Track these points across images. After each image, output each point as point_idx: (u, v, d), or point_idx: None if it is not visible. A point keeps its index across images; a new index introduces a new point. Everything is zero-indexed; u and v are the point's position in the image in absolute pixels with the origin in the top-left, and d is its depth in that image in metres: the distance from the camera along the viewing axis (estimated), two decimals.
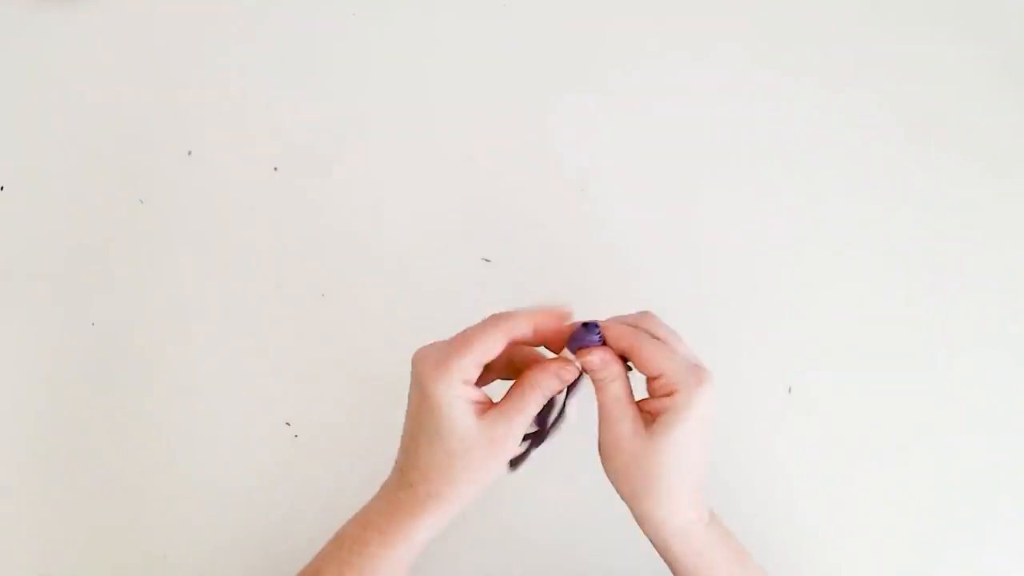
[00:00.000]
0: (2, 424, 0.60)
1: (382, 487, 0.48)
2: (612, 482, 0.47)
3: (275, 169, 0.66)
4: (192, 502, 0.58)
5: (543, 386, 0.45)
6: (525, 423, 0.45)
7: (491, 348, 0.44)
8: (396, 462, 0.48)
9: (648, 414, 0.45)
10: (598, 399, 0.46)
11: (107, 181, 0.66)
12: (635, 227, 0.64)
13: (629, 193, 0.65)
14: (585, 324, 0.45)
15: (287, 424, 0.59)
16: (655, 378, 0.44)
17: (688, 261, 0.63)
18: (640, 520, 0.47)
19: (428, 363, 0.44)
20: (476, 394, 0.45)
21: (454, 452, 0.44)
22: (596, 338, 0.45)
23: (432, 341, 0.45)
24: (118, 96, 0.68)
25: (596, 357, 0.45)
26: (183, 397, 0.60)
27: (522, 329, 0.45)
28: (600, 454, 0.47)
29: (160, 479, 0.59)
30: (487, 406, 0.46)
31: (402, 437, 0.47)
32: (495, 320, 0.45)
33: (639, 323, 0.46)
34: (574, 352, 0.45)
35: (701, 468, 0.46)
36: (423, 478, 0.46)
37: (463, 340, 0.44)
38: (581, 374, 0.46)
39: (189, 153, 0.66)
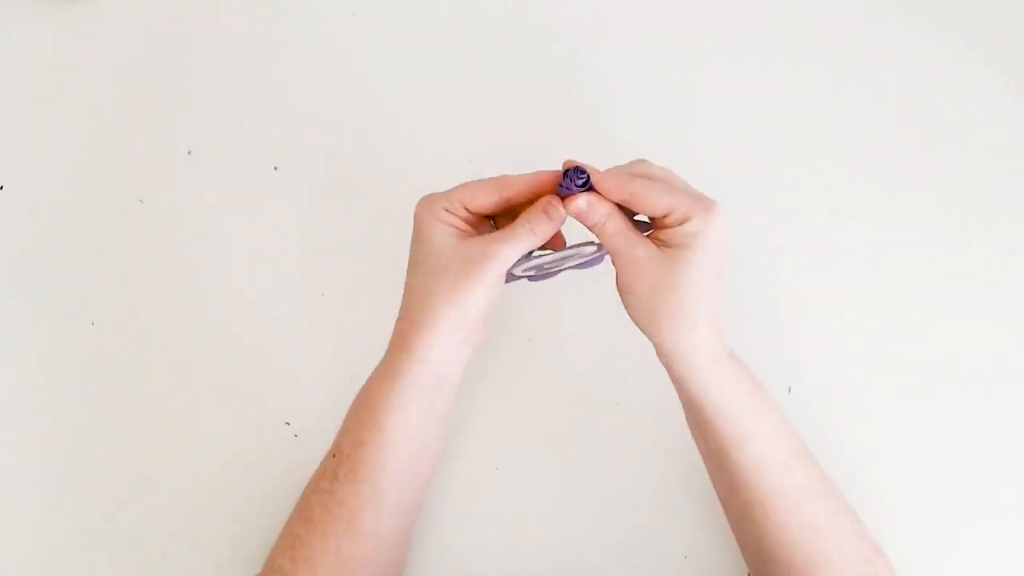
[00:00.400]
0: (2, 424, 0.60)
1: (386, 353, 0.50)
2: (634, 317, 0.47)
3: (275, 169, 0.66)
4: (192, 502, 0.58)
5: (531, 220, 0.46)
6: (506, 251, 0.46)
7: (479, 193, 0.47)
8: (400, 311, 0.50)
9: (661, 243, 0.45)
10: (602, 242, 0.47)
11: (107, 181, 0.66)
12: None
13: None
14: (567, 171, 0.45)
15: (287, 424, 0.59)
16: (663, 216, 0.44)
17: None
18: (665, 353, 0.47)
19: (422, 200, 0.48)
20: (459, 223, 0.47)
21: (432, 270, 0.47)
22: (581, 181, 0.45)
23: None
24: (118, 96, 0.68)
25: (582, 200, 0.45)
26: (183, 397, 0.60)
27: (518, 186, 0.47)
28: (620, 292, 0.47)
29: (160, 479, 0.59)
30: (471, 234, 0.48)
31: (404, 289, 0.50)
32: (493, 177, 0.48)
33: (632, 170, 0.46)
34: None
35: (719, 298, 0.46)
36: (407, 305, 0.49)
37: (455, 186, 0.48)
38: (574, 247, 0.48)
39: (189, 153, 0.66)
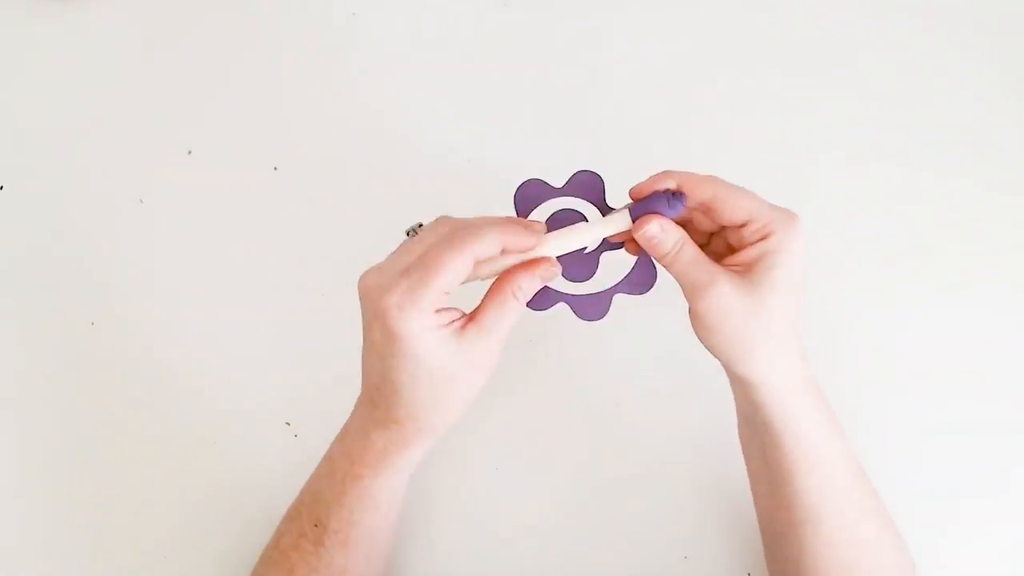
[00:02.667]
0: (2, 424, 0.60)
1: (361, 419, 0.46)
2: (717, 351, 0.43)
3: (275, 169, 0.66)
4: (192, 502, 0.58)
5: (524, 290, 0.42)
6: (505, 335, 0.42)
7: (457, 275, 0.39)
8: (371, 399, 0.44)
9: (738, 267, 0.42)
10: (674, 274, 0.42)
11: (107, 181, 0.66)
12: None
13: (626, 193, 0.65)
14: (659, 193, 0.41)
15: (287, 424, 0.59)
16: (742, 225, 0.41)
17: None
18: (751, 383, 0.43)
19: (388, 299, 0.39)
20: (445, 317, 0.40)
21: (438, 384, 0.41)
22: (680, 207, 0.41)
23: (375, 264, 0.41)
24: (118, 96, 0.68)
25: (655, 226, 0.41)
26: (183, 397, 0.60)
27: (490, 249, 0.40)
28: (699, 327, 0.43)
29: (160, 479, 0.59)
30: (462, 321, 0.42)
31: (369, 374, 0.43)
32: (459, 240, 0.39)
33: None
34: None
35: (799, 315, 0.43)
36: (410, 416, 0.43)
37: (425, 270, 0.39)
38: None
39: (189, 153, 0.66)
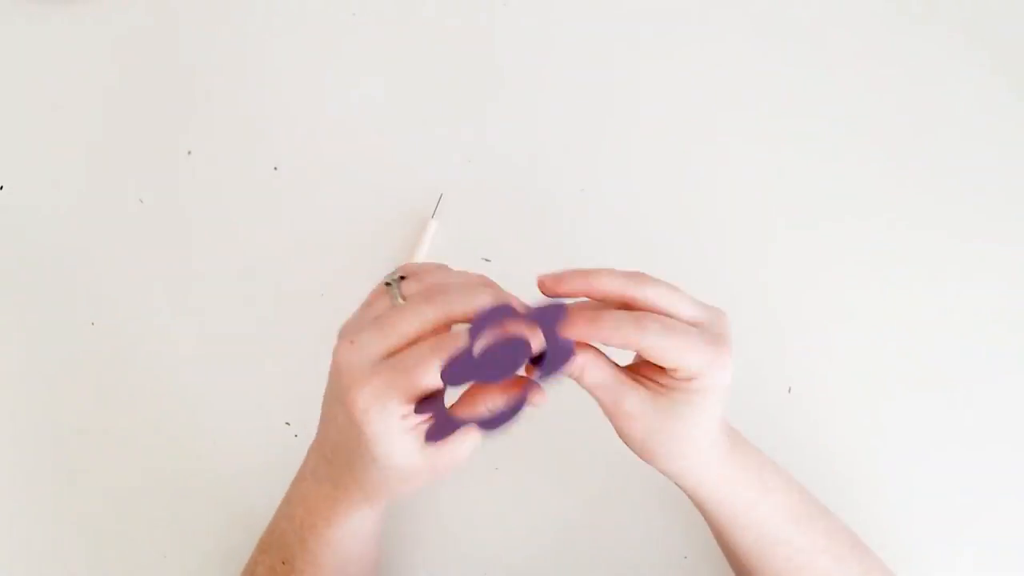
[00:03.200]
0: (2, 424, 0.60)
1: (315, 464, 0.45)
2: (630, 447, 0.44)
3: (275, 169, 0.66)
4: (192, 502, 0.58)
5: (494, 404, 0.40)
6: (472, 448, 0.40)
7: (432, 381, 0.37)
8: (324, 455, 0.44)
9: (658, 386, 0.41)
10: (587, 389, 0.42)
11: (107, 181, 0.66)
12: (634, 227, 0.64)
13: (628, 194, 0.65)
14: (544, 308, 0.37)
15: (287, 424, 0.59)
16: (672, 369, 0.40)
17: (688, 261, 0.63)
18: (668, 475, 0.45)
19: (358, 392, 0.37)
20: (413, 420, 0.38)
21: (393, 477, 0.41)
22: (570, 346, 0.38)
23: (351, 333, 0.39)
24: (118, 96, 0.68)
25: (578, 363, 0.40)
26: (183, 397, 0.60)
27: (452, 346, 0.37)
28: (613, 425, 0.43)
29: (160, 479, 0.59)
30: (425, 416, 0.40)
31: (325, 435, 0.43)
32: (439, 343, 0.37)
33: (630, 293, 0.40)
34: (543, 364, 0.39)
35: (721, 415, 0.43)
36: (359, 487, 0.43)
37: (400, 372, 0.37)
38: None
39: (189, 153, 0.66)
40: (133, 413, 0.60)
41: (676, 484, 0.47)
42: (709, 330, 0.40)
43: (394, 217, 0.64)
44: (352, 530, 0.46)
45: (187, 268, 0.63)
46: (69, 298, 0.63)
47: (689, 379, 0.40)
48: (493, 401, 0.40)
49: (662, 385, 0.41)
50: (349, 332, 0.40)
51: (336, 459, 0.43)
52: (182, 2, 0.70)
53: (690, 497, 0.48)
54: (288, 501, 0.49)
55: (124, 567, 0.57)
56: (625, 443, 0.44)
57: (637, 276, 0.41)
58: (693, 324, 0.40)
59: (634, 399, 0.41)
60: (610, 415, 0.43)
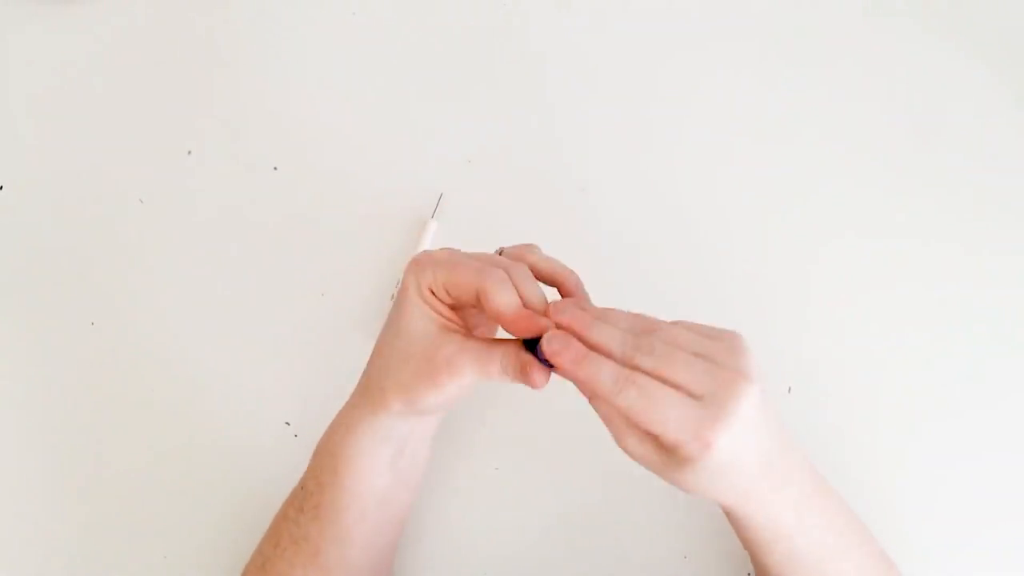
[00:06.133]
0: (2, 424, 0.60)
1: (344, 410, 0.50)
2: None
3: (275, 169, 0.66)
4: (192, 502, 0.58)
5: (509, 364, 0.42)
6: (471, 373, 0.42)
7: (461, 281, 0.42)
8: (359, 383, 0.48)
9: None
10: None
11: (107, 181, 0.66)
12: (635, 227, 0.64)
13: (628, 194, 0.65)
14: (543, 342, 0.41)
15: (287, 424, 0.59)
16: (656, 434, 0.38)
17: (688, 261, 0.63)
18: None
19: (418, 258, 0.44)
20: (443, 309, 0.44)
21: (397, 351, 0.44)
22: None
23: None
24: (118, 96, 0.68)
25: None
26: (183, 397, 0.60)
27: (497, 309, 0.41)
28: None
29: (160, 479, 0.59)
30: (455, 328, 0.44)
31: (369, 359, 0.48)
32: (477, 262, 0.42)
33: (627, 356, 0.39)
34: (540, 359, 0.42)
35: (762, 457, 0.40)
36: (367, 372, 0.47)
37: (450, 260, 0.43)
38: None
39: (189, 153, 0.66)
40: (133, 413, 0.60)
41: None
42: (709, 397, 0.37)
43: (394, 217, 0.64)
44: (353, 453, 0.46)
45: (187, 268, 0.63)
46: (69, 298, 0.63)
47: (675, 446, 0.38)
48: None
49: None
50: None
51: (378, 344, 0.47)
52: (182, 2, 0.70)
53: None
54: (325, 433, 0.50)
55: (124, 567, 0.57)
56: None
57: (637, 335, 0.40)
58: (690, 390, 0.38)
59: (633, 441, 0.40)
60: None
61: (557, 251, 0.63)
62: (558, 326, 0.41)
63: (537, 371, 0.42)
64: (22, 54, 0.69)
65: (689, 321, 0.42)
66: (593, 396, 0.41)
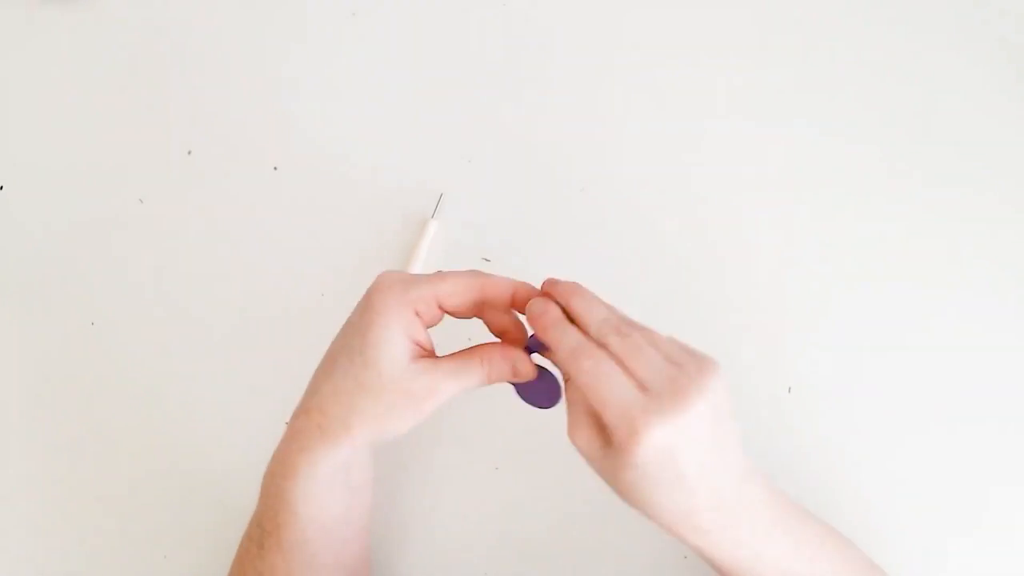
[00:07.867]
0: (2, 424, 0.60)
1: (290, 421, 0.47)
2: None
3: (275, 169, 0.66)
4: (192, 502, 0.58)
5: (494, 367, 0.42)
6: (452, 391, 0.41)
7: (459, 290, 0.41)
8: (306, 393, 0.45)
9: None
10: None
11: (107, 181, 0.66)
12: (635, 228, 0.64)
13: (628, 194, 0.65)
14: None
15: (287, 424, 0.59)
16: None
17: (688, 261, 0.63)
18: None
19: (389, 278, 0.41)
20: (421, 335, 0.41)
21: (364, 385, 0.40)
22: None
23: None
24: (117, 96, 0.68)
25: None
26: (183, 397, 0.60)
27: (500, 292, 0.41)
28: None
29: (160, 479, 0.59)
30: (426, 354, 0.42)
31: (318, 369, 0.45)
32: (477, 273, 0.42)
33: (603, 336, 0.39)
34: (536, 351, 0.44)
35: (706, 480, 0.39)
36: (319, 407, 0.42)
37: (435, 274, 0.41)
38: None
39: (189, 153, 0.66)
40: (133, 413, 0.60)
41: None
42: (655, 392, 0.37)
43: (394, 217, 0.64)
44: (305, 491, 0.44)
45: (187, 268, 0.63)
46: (69, 298, 0.63)
47: (612, 432, 0.37)
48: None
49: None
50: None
51: (317, 376, 0.43)
52: (182, 3, 0.70)
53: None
54: (269, 469, 0.48)
55: (124, 567, 0.57)
56: None
57: (620, 323, 0.40)
58: (642, 382, 0.38)
59: (583, 428, 0.39)
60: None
61: (557, 251, 0.63)
62: (547, 296, 0.42)
63: (520, 360, 0.43)
64: (22, 54, 0.69)
65: (681, 340, 0.41)
66: (566, 376, 0.42)
